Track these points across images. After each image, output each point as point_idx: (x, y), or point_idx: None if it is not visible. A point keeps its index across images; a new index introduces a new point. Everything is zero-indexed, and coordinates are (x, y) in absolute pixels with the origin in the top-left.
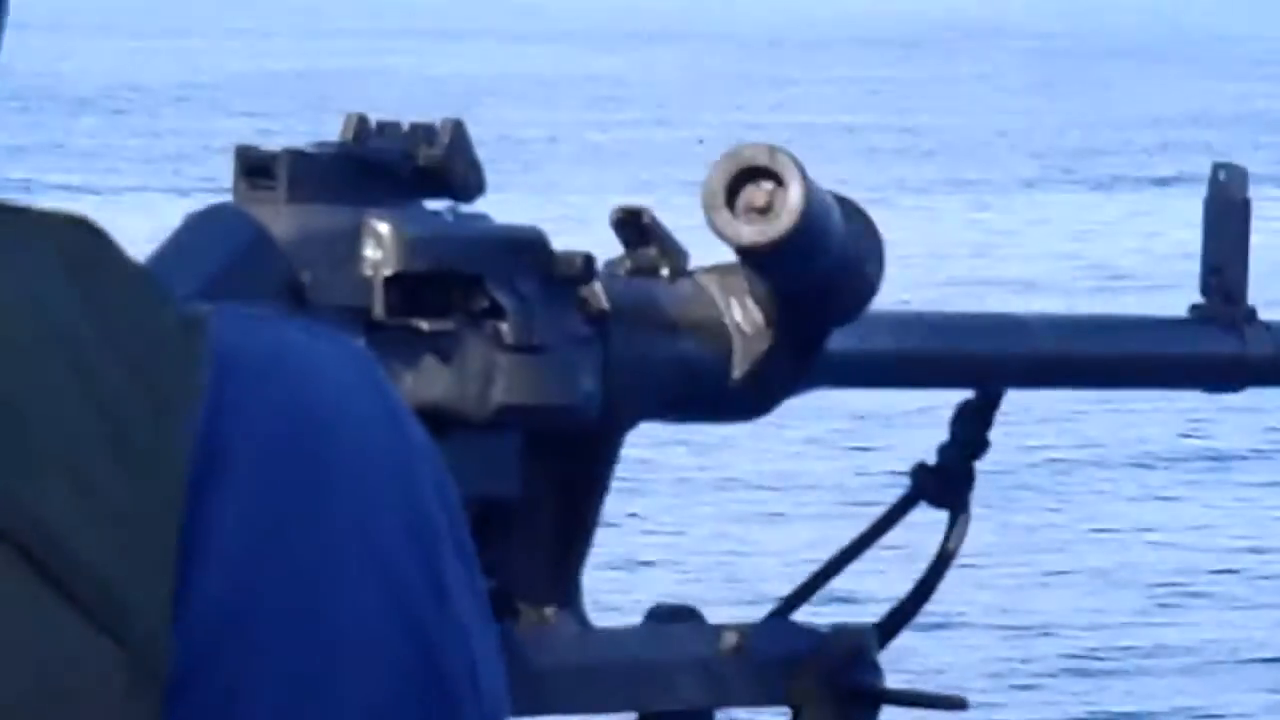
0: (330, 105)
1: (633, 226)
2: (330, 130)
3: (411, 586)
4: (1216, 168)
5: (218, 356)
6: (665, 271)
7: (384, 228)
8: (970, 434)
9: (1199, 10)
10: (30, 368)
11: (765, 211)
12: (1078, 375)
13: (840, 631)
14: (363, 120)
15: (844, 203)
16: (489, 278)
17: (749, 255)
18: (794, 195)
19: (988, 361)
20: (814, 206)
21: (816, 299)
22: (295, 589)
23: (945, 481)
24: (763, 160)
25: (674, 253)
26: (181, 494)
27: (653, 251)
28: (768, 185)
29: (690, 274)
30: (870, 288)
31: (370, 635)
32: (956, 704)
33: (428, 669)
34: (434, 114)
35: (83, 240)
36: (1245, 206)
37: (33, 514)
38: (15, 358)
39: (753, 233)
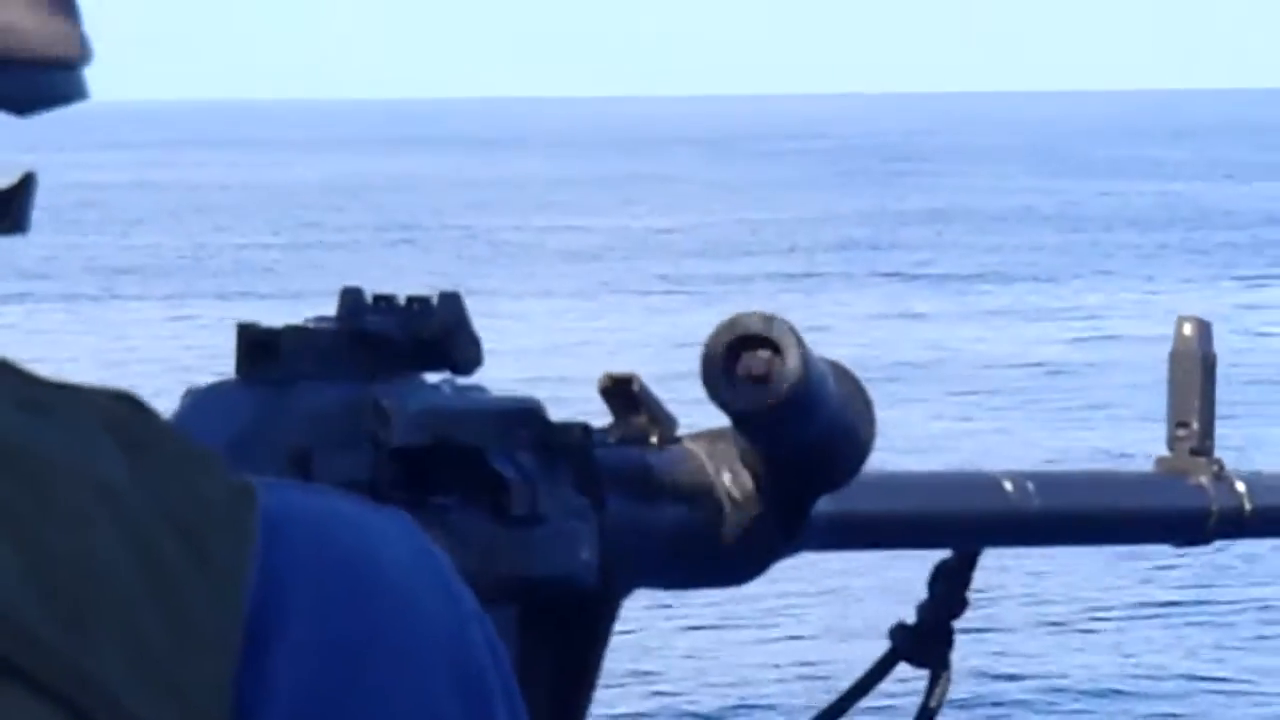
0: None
1: (622, 394)
2: None
3: None
4: (1181, 321)
5: (268, 524)
6: (654, 439)
7: (387, 402)
8: (949, 593)
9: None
10: (86, 533)
11: (763, 380)
12: (1052, 533)
13: None
14: (357, 294)
15: (835, 367)
16: (489, 450)
17: (746, 421)
18: (791, 363)
19: (965, 521)
20: (810, 373)
21: (809, 464)
22: None
23: (924, 641)
24: (759, 329)
25: (663, 420)
26: (234, 662)
27: (642, 419)
28: (765, 353)
29: (679, 440)
30: (862, 452)
31: None
32: None
33: None
34: None
35: (127, 412)
36: (1211, 360)
37: (89, 678)
38: (72, 523)
39: (751, 400)
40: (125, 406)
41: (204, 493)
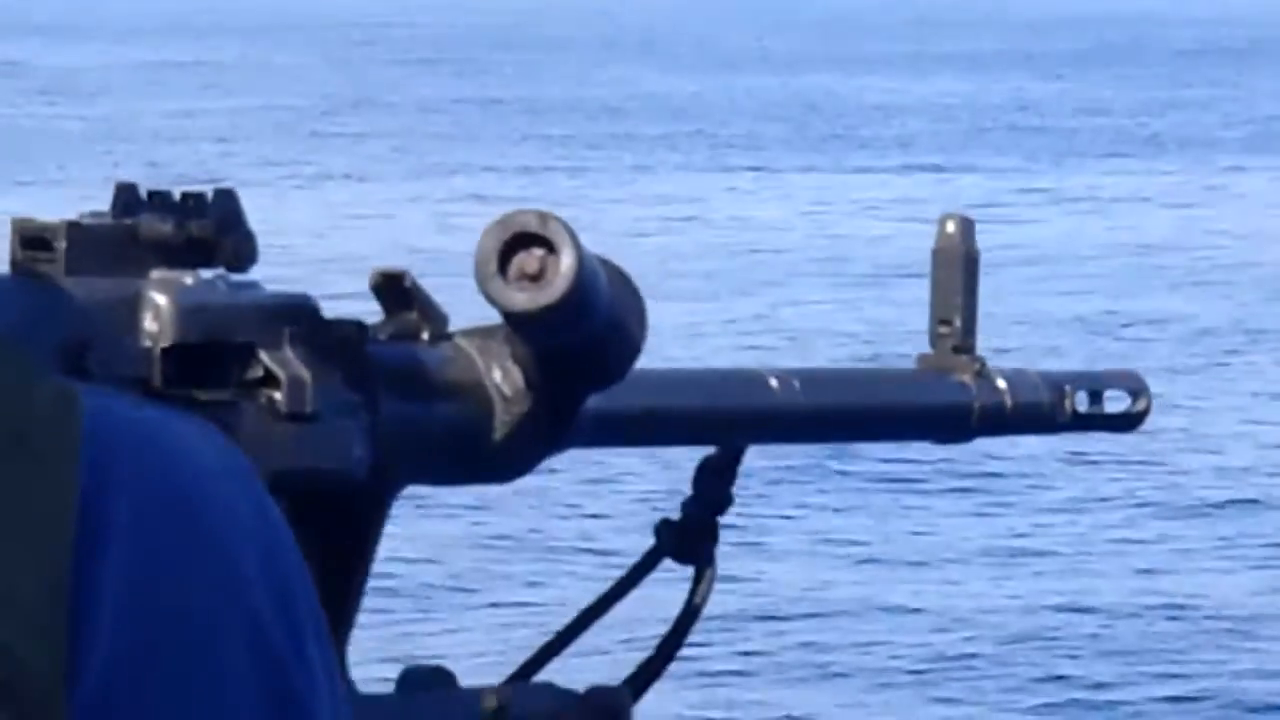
0: None
1: (393, 290)
2: None
3: (281, 655)
4: (944, 219)
5: (90, 431)
6: (426, 335)
7: (161, 299)
8: (713, 490)
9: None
10: None
11: (537, 278)
12: (815, 430)
13: (596, 692)
14: (131, 190)
15: (607, 265)
16: (262, 346)
17: (520, 320)
18: (567, 262)
19: (730, 418)
20: (584, 272)
21: (581, 362)
22: (176, 658)
23: (688, 537)
24: (535, 227)
25: (435, 317)
26: (68, 568)
27: (413, 315)
28: (539, 251)
29: (449, 337)
30: (634, 349)
31: (244, 701)
32: None
33: (289, 714)
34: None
35: None
36: (973, 257)
37: None
38: None
39: (525, 299)
40: None
41: (31, 398)
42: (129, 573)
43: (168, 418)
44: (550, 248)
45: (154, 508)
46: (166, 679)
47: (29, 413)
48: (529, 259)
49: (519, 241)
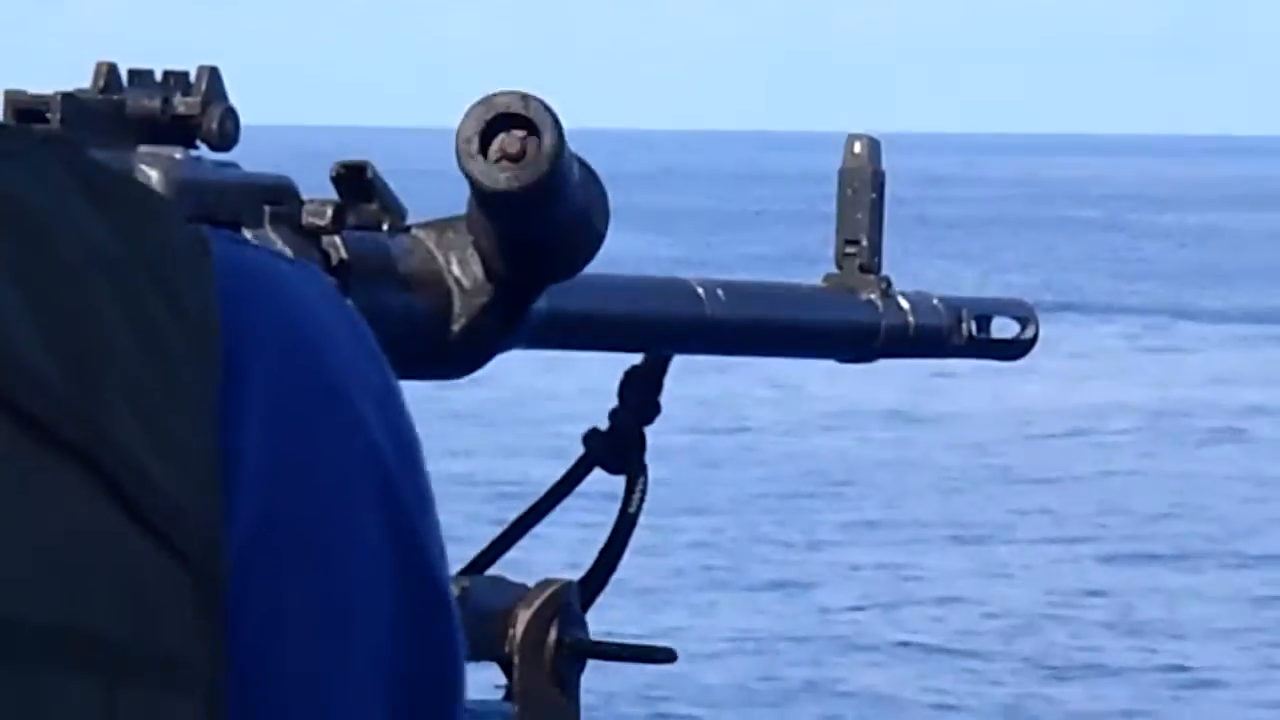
0: None
1: (354, 181)
2: None
3: (408, 505)
4: (851, 139)
5: (221, 275)
6: (386, 226)
7: (151, 173)
8: (641, 398)
9: None
10: (87, 289)
11: (518, 158)
12: (736, 343)
13: (545, 585)
14: (113, 69)
15: (577, 156)
16: (245, 225)
17: (498, 200)
18: (548, 144)
19: (661, 325)
20: (563, 156)
21: (547, 252)
22: (316, 509)
23: (617, 446)
24: (517, 108)
25: (394, 209)
26: (216, 419)
27: (374, 206)
28: (520, 133)
29: (408, 229)
30: (597, 241)
31: (378, 554)
32: (665, 656)
33: (425, 582)
34: None
35: (84, 159)
36: (880, 177)
37: (104, 433)
38: (74, 279)
39: (506, 178)
40: (75, 151)
41: (171, 243)
42: (267, 424)
43: (281, 261)
44: (532, 129)
45: (283, 356)
46: (307, 543)
47: (171, 260)
48: (510, 140)
49: (501, 122)
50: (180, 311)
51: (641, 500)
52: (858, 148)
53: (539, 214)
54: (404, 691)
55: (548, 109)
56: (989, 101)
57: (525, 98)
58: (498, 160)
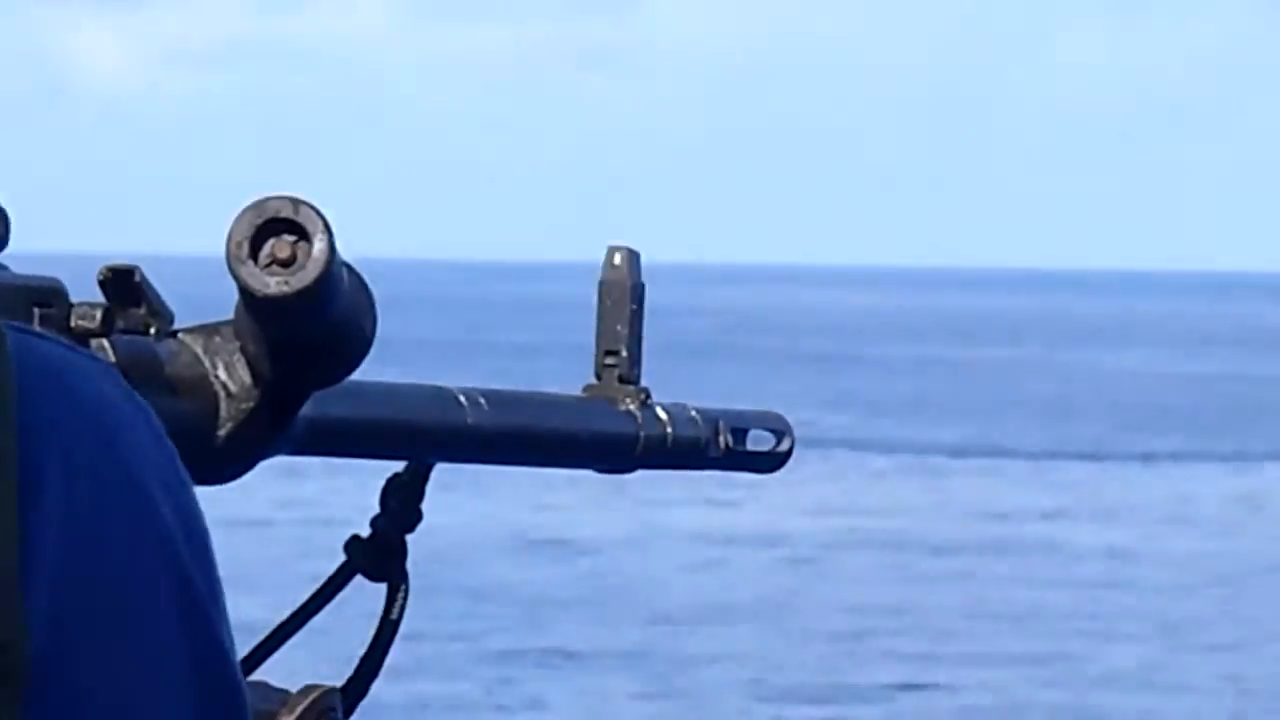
0: None
1: (122, 285)
2: None
3: (201, 596)
4: (611, 251)
5: (20, 372)
6: (153, 330)
7: None
8: (402, 506)
9: None
10: None
11: (289, 264)
12: (498, 452)
13: (308, 691)
14: None
15: (346, 262)
16: None
17: (269, 306)
18: (319, 248)
19: (426, 432)
20: (334, 261)
21: (315, 356)
22: (113, 603)
23: (379, 554)
24: (287, 213)
25: (161, 313)
26: (15, 513)
27: (142, 310)
28: (291, 238)
29: (174, 334)
30: (365, 346)
31: (174, 645)
32: None
33: (220, 673)
34: None
35: None
36: (639, 290)
37: None
38: None
39: (277, 284)
40: None
41: None
42: (66, 524)
43: (79, 356)
44: (303, 234)
45: (82, 453)
46: (105, 637)
47: None
48: (281, 244)
49: (272, 226)
50: None
51: (403, 608)
52: (617, 259)
53: (308, 319)
54: None
55: (319, 214)
56: (711, 230)
57: (296, 202)
58: (268, 265)
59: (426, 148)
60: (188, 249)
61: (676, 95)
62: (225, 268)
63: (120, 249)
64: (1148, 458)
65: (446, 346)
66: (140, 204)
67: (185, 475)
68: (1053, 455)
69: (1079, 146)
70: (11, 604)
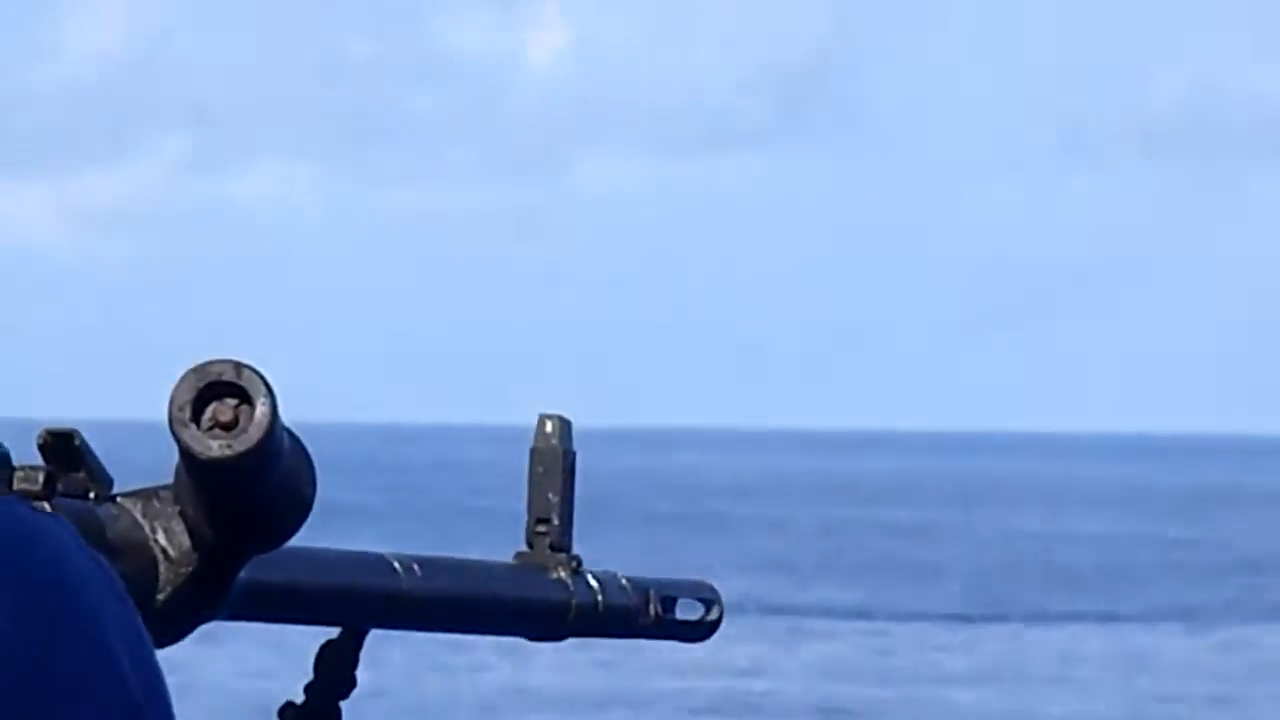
0: None
1: (61, 449)
2: None
3: None
4: (543, 419)
5: None
6: (93, 494)
7: None
8: (336, 672)
9: None
10: None
11: (230, 427)
12: (431, 618)
13: None
14: None
15: (286, 428)
16: None
17: (210, 469)
18: (261, 411)
19: (358, 599)
20: (276, 424)
21: (255, 520)
22: None
23: None
24: (229, 376)
25: (100, 478)
26: None
27: (81, 475)
28: (233, 401)
29: (114, 498)
30: (305, 509)
31: None
32: None
33: None
34: None
35: None
36: (570, 457)
37: None
38: None
39: (219, 446)
40: None
41: None
42: (9, 666)
43: (41, 517)
44: (245, 398)
45: (37, 607)
46: None
47: None
48: (223, 408)
49: (213, 390)
50: None
51: None
52: (549, 427)
53: (250, 482)
54: None
55: (261, 377)
56: (615, 393)
57: (238, 366)
58: (210, 428)
59: (349, 310)
60: (115, 414)
61: (602, 260)
62: (164, 429)
63: (56, 414)
64: (1032, 618)
65: (370, 511)
66: (75, 370)
67: (145, 632)
68: (932, 617)
69: (991, 308)
70: None
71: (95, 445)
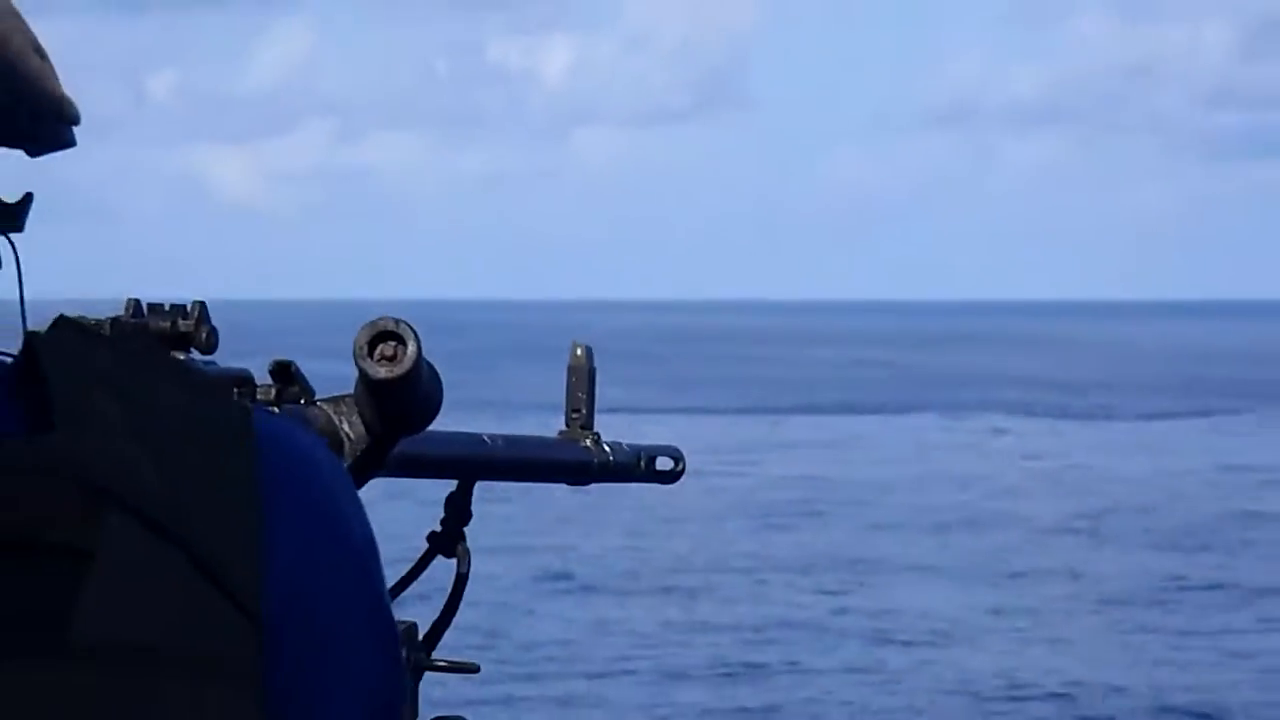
0: None
1: (284, 373)
2: None
3: (386, 613)
4: (575, 345)
5: (261, 440)
6: (303, 401)
7: None
8: (458, 510)
9: None
10: (180, 446)
11: (392, 360)
12: (508, 473)
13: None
14: (138, 302)
15: (429, 362)
16: None
17: (379, 386)
18: (410, 351)
19: (465, 460)
20: (421, 358)
21: (407, 416)
22: (324, 597)
23: (449, 542)
24: (391, 327)
25: (308, 390)
26: (259, 546)
27: (296, 389)
28: (393, 343)
29: (316, 402)
30: (436, 410)
31: (361, 628)
32: (469, 669)
33: (396, 661)
34: None
35: (164, 353)
36: (593, 373)
37: (200, 538)
38: (169, 439)
39: (384, 372)
40: (158, 348)
41: (227, 413)
42: (291, 553)
43: (300, 432)
44: (401, 340)
45: (303, 493)
46: (317, 612)
47: (226, 422)
48: (387, 347)
49: (381, 335)
50: (230, 467)
51: (469, 566)
52: (579, 351)
53: (402, 395)
54: (377, 712)
55: (411, 328)
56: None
57: (397, 321)
58: (379, 360)
59: (438, 228)
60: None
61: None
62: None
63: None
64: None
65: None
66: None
67: (368, 526)
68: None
69: (834, 225)
70: (257, 586)
71: (267, 316)
